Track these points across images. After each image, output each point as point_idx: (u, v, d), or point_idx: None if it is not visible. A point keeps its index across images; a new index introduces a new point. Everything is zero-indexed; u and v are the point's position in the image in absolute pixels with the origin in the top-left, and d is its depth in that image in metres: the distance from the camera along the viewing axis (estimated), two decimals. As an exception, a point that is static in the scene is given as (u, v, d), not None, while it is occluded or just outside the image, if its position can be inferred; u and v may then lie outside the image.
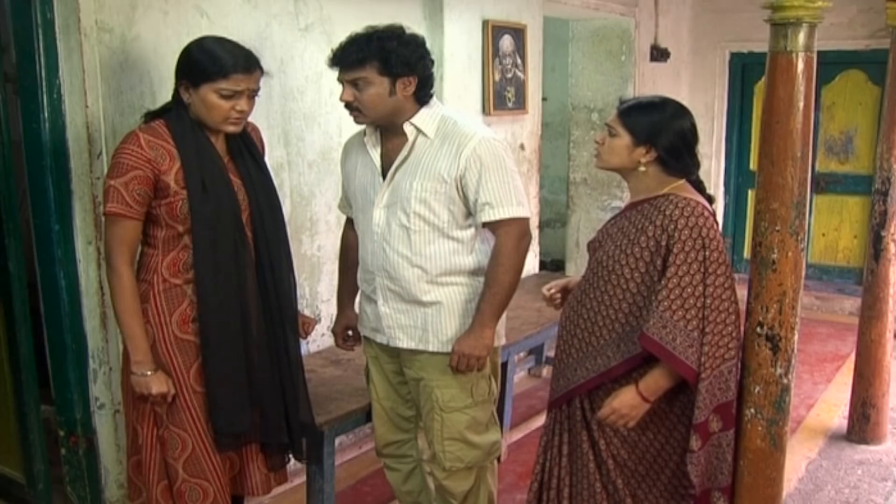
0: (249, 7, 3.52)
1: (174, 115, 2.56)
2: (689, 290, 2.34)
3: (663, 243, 2.39)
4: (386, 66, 2.63)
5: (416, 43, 2.71)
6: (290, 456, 2.90)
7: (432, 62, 2.78)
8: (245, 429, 2.66)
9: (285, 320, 2.74)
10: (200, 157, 2.54)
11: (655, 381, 2.42)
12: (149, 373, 2.53)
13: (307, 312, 3.93)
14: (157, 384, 2.53)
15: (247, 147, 2.70)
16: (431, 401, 2.85)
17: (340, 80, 2.70)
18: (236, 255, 2.58)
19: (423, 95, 2.74)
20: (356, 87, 2.66)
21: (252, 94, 2.56)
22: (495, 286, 2.74)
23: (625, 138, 2.49)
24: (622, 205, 2.91)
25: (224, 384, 2.60)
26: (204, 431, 2.63)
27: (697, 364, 2.35)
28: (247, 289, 2.63)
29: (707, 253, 2.36)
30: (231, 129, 2.56)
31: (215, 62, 2.48)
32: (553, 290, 2.83)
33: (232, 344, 2.60)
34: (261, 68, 2.58)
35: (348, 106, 2.70)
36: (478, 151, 2.67)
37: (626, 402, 2.43)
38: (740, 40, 7.10)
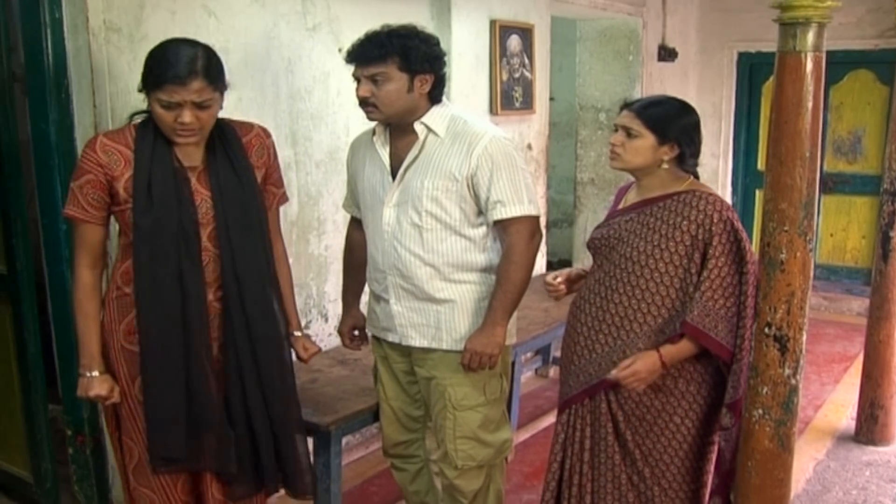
0: (257, 6, 3.52)
1: (146, 119, 2.45)
2: (727, 279, 2.50)
3: (700, 237, 2.52)
4: (406, 63, 2.64)
5: (434, 41, 2.73)
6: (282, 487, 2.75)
7: (445, 62, 2.79)
8: (179, 455, 2.50)
9: (257, 345, 2.55)
10: (153, 167, 2.41)
11: (679, 351, 2.55)
12: (94, 374, 2.48)
13: (314, 313, 3.94)
14: (98, 386, 2.48)
15: (229, 157, 2.52)
16: (444, 399, 2.84)
17: (357, 75, 2.68)
18: (180, 272, 2.42)
19: (436, 94, 2.75)
20: (374, 83, 2.65)
21: (200, 107, 2.35)
22: (507, 284, 2.73)
23: (648, 138, 2.57)
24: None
25: (156, 405, 2.46)
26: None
27: (735, 347, 2.53)
28: (189, 309, 2.45)
29: (740, 244, 2.50)
30: (180, 140, 2.40)
31: (151, 70, 2.35)
32: (560, 280, 2.86)
33: (168, 364, 2.45)
34: (210, 79, 2.35)
35: (364, 102, 2.69)
36: (489, 150, 2.68)
37: (648, 366, 2.53)
38: (748, 40, 7.08)
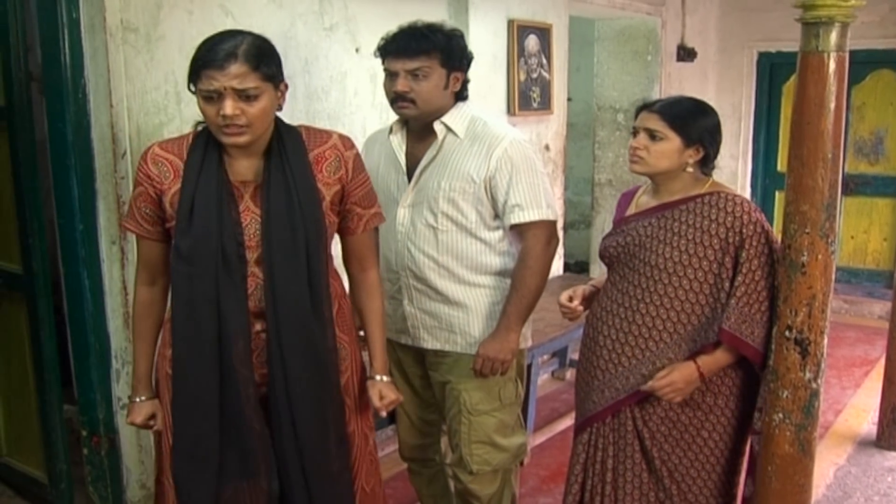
0: (274, 6, 3.51)
1: (207, 126, 2.19)
2: (762, 283, 2.43)
3: (731, 241, 2.45)
4: (448, 58, 2.62)
5: (465, 40, 2.72)
6: None
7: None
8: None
9: (292, 386, 2.21)
10: (199, 180, 2.16)
11: (716, 361, 2.48)
12: (139, 399, 2.34)
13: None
14: (136, 413, 2.34)
15: (285, 170, 2.20)
16: (459, 404, 2.80)
17: (395, 69, 2.62)
18: (217, 300, 2.15)
19: (463, 94, 2.73)
20: (414, 78, 2.61)
21: (245, 97, 2.07)
22: (522, 289, 2.69)
23: (674, 141, 2.49)
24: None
25: (185, 443, 2.21)
26: None
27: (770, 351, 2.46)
28: (227, 340, 2.16)
29: (772, 246, 2.45)
30: (227, 140, 2.11)
31: (192, 60, 2.11)
32: (577, 302, 2.77)
33: (198, 402, 2.18)
34: (253, 65, 2.07)
35: (400, 97, 2.63)
36: (509, 153, 2.65)
37: (685, 377, 2.46)
38: (768, 40, 7.02)
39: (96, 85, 2.97)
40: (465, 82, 2.74)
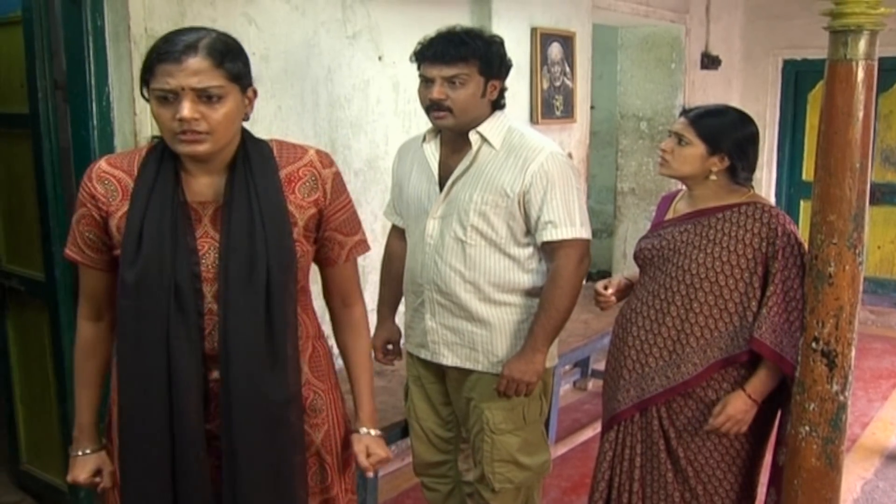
0: (297, 15, 3.51)
1: (161, 140, 1.88)
2: (791, 293, 2.44)
3: (763, 251, 2.47)
4: (487, 66, 2.57)
5: (504, 47, 2.66)
6: None
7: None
8: None
9: (256, 452, 1.89)
10: (150, 200, 1.85)
11: (763, 383, 2.49)
12: (81, 452, 2.05)
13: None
14: (79, 469, 2.04)
15: (249, 190, 1.88)
16: (481, 422, 2.73)
17: (431, 76, 2.56)
18: (167, 339, 1.84)
19: (500, 102, 2.68)
20: (451, 85, 2.54)
21: (207, 98, 1.77)
22: (551, 310, 2.61)
23: (698, 147, 2.52)
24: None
25: (133, 500, 1.93)
26: None
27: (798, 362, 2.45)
28: (178, 387, 1.85)
29: (803, 259, 2.45)
30: (184, 149, 1.80)
31: (146, 54, 1.80)
32: (612, 291, 2.80)
33: (147, 457, 1.89)
34: (216, 60, 1.78)
35: (436, 105, 2.56)
36: (545, 167, 2.57)
37: (740, 408, 2.48)
38: (794, 47, 6.97)
39: (120, 92, 2.98)
40: (503, 90, 2.68)
